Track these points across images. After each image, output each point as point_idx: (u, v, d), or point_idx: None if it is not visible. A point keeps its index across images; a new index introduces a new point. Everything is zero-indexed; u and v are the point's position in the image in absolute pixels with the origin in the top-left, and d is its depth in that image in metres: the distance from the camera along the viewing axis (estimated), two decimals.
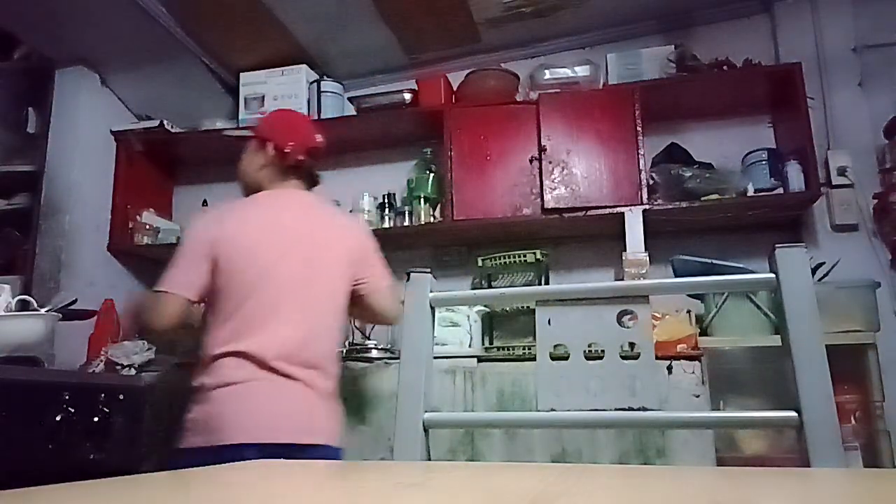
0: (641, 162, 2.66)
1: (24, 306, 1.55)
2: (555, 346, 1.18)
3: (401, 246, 3.12)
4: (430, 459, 1.15)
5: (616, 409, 1.11)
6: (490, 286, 2.87)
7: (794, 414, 1.00)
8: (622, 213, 2.63)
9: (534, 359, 1.18)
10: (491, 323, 2.83)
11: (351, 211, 3.04)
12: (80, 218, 2.97)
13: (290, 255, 1.75)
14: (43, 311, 1.56)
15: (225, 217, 1.78)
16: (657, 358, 1.16)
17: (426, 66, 3.25)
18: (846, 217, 2.64)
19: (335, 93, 3.19)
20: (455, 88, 3.04)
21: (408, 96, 3.03)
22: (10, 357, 1.48)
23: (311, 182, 1.93)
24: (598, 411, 1.12)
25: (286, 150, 1.85)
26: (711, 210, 2.63)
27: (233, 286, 1.69)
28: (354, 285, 1.88)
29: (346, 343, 2.69)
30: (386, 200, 3.03)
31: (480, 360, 2.40)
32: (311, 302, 1.77)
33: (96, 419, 1.55)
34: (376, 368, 2.44)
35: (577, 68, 2.89)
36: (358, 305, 1.91)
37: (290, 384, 1.66)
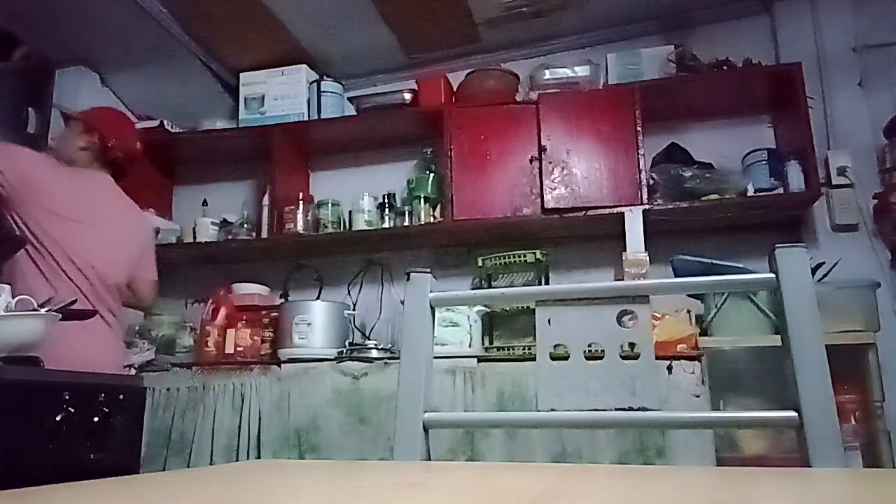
0: (641, 162, 2.66)
1: (24, 306, 1.54)
2: (555, 346, 1.18)
3: (401, 246, 3.12)
4: (430, 459, 1.15)
5: (616, 409, 1.11)
6: (490, 286, 2.87)
7: (794, 414, 1.00)
8: (622, 213, 2.63)
9: (534, 359, 1.18)
10: (491, 323, 2.83)
11: (350, 211, 3.05)
12: None
13: (103, 234, 2.08)
14: (43, 311, 1.55)
15: (60, 181, 2.04)
16: (657, 358, 1.15)
17: (426, 66, 3.25)
18: (846, 217, 2.64)
19: (335, 93, 3.19)
20: (455, 88, 3.04)
21: (408, 96, 3.03)
22: (10, 357, 1.48)
23: (119, 175, 2.24)
24: (598, 411, 1.12)
25: (108, 144, 2.16)
26: (711, 210, 2.63)
27: (54, 249, 1.94)
28: (133, 271, 2.22)
29: (347, 343, 2.70)
30: (386, 200, 3.03)
31: (480, 360, 2.40)
32: (112, 275, 2.09)
33: (96, 419, 1.55)
34: (376, 368, 2.44)
35: (577, 68, 2.89)
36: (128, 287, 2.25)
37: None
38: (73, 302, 1.73)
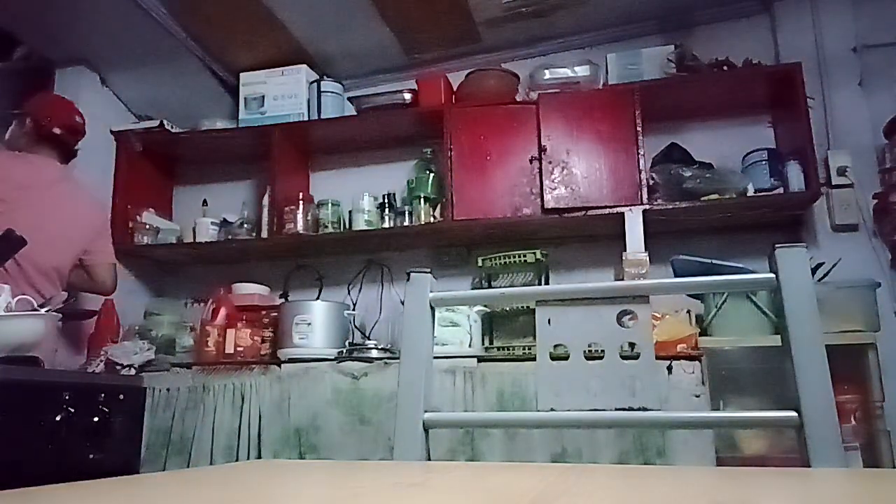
0: (641, 162, 2.65)
1: (24, 306, 1.55)
2: (555, 346, 1.18)
3: (401, 246, 3.12)
4: (430, 459, 1.15)
5: (616, 409, 1.11)
6: (490, 286, 2.87)
7: (794, 414, 1.00)
8: (622, 213, 2.63)
9: (534, 359, 1.18)
10: (491, 323, 2.82)
11: (350, 211, 3.05)
12: None
13: (39, 217, 2.09)
14: (43, 311, 1.56)
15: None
16: (657, 358, 1.16)
17: (426, 66, 3.25)
18: (846, 217, 2.64)
19: (335, 93, 3.19)
20: (455, 88, 3.03)
21: (408, 96, 3.02)
22: (10, 357, 1.48)
23: (66, 155, 2.30)
24: (598, 411, 1.12)
25: (43, 123, 2.24)
26: (711, 210, 2.63)
27: None
28: (83, 254, 2.25)
29: (347, 343, 2.70)
30: (386, 200, 3.03)
31: (480, 360, 2.40)
32: (45, 259, 2.11)
33: (96, 419, 1.55)
34: (376, 368, 2.44)
35: (577, 68, 2.89)
36: (82, 271, 2.29)
37: None
38: (73, 302, 1.73)
